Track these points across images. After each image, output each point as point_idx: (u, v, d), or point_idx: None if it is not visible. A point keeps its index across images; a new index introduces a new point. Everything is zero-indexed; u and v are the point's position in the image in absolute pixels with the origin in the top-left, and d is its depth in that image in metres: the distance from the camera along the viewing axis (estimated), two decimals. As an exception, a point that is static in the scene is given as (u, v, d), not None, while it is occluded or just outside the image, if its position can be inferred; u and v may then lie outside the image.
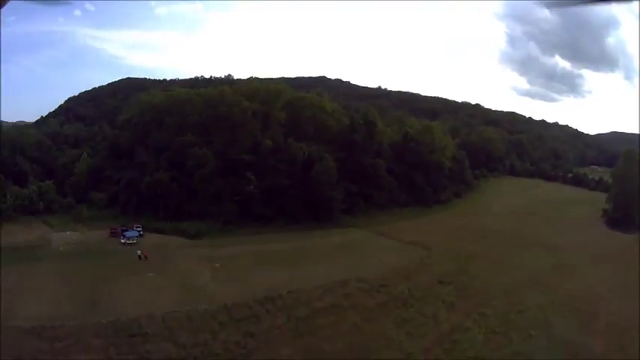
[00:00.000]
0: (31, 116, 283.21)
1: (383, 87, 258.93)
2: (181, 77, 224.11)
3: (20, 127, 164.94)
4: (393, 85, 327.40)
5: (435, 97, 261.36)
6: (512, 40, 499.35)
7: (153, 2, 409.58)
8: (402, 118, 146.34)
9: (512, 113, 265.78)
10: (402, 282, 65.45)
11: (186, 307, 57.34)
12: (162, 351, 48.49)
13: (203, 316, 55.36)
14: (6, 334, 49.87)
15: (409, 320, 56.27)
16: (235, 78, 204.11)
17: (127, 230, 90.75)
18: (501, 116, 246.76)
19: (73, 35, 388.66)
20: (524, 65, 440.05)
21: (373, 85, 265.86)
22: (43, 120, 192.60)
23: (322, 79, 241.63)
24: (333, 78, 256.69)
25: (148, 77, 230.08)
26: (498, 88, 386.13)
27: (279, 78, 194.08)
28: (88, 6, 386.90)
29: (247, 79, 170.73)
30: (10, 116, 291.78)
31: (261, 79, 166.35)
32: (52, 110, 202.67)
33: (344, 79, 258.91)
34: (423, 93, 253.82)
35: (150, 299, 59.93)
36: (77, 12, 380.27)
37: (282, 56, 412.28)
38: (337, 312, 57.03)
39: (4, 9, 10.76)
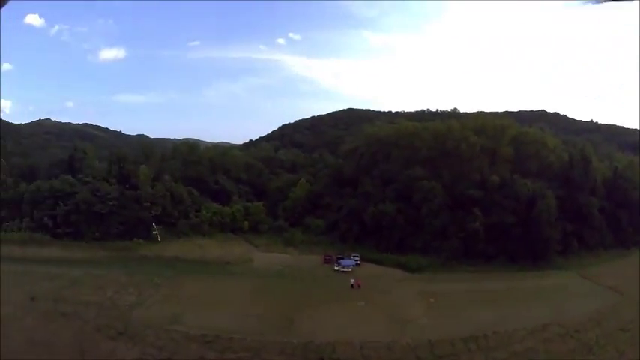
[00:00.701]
0: (234, 138, 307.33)
1: (594, 120, 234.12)
2: (406, 110, 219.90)
3: (223, 148, 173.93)
4: (602, 117, 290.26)
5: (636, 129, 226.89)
6: None
7: (365, 32, 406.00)
8: (611, 154, 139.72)
9: None
10: (593, 328, 62.08)
11: (389, 338, 55.62)
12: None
13: (404, 348, 53.75)
14: (164, 335, 53.93)
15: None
16: (461, 111, 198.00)
17: (342, 258, 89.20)
18: None
19: (281, 63, 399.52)
20: None
21: (585, 118, 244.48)
22: (252, 143, 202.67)
23: (542, 113, 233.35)
24: (551, 111, 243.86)
25: (371, 108, 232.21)
26: None
27: (504, 112, 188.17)
28: (292, 35, 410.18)
29: (474, 113, 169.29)
30: (212, 137, 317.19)
31: (487, 113, 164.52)
32: (262, 135, 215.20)
33: (561, 113, 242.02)
34: (627, 125, 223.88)
35: (353, 327, 58.70)
36: (280, 41, 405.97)
37: (504, 89, 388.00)
38: (532, 356, 54.64)
39: (3, 9, 11.16)
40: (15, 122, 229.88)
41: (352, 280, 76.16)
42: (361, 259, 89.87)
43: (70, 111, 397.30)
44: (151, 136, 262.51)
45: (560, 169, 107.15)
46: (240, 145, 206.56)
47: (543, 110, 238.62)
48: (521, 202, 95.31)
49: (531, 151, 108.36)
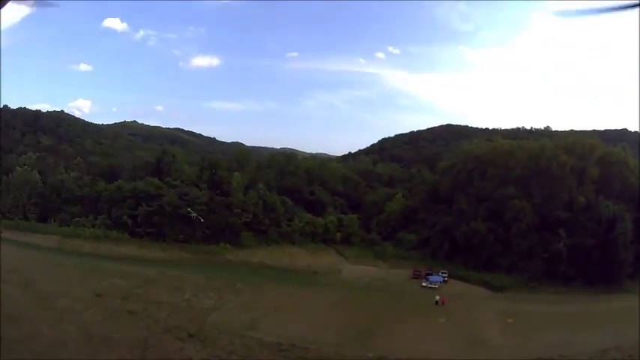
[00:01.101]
0: (333, 150, 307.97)
1: None
2: (502, 127, 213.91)
3: (321, 159, 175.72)
4: None
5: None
6: None
7: (461, 47, 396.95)
8: None
9: None
10: None
11: (463, 356, 55.14)
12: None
13: None
14: (237, 341, 54.56)
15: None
16: (553, 129, 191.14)
17: (431, 274, 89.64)
18: None
19: (379, 77, 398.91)
20: None
21: None
22: (351, 155, 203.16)
23: (624, 132, 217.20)
24: (632, 130, 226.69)
25: (468, 125, 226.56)
26: None
27: (591, 131, 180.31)
28: (392, 49, 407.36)
29: (565, 131, 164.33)
30: (309, 147, 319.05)
31: (576, 131, 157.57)
32: (361, 148, 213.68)
33: None
34: None
35: (430, 344, 57.83)
36: (380, 54, 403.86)
37: (593, 107, 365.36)
38: None
39: (3, 9, 11.36)
40: (95, 122, 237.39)
41: (437, 297, 75.60)
42: (449, 276, 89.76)
43: (160, 115, 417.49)
44: (247, 144, 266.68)
45: (638, 191, 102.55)
46: (338, 157, 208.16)
47: (626, 129, 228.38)
48: (602, 224, 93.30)
49: (615, 172, 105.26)
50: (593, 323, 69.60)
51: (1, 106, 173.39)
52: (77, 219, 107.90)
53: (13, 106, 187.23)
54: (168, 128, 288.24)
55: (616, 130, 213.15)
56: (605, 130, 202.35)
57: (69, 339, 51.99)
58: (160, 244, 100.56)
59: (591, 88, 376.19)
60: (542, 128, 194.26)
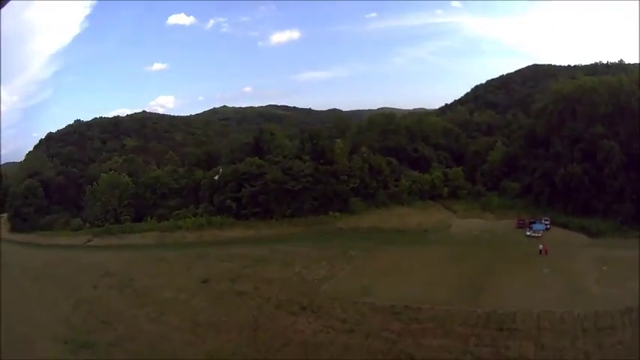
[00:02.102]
0: (429, 103, 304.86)
1: None
2: (583, 63, 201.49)
3: (419, 114, 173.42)
4: None
5: None
6: None
7: None
8: None
9: None
10: None
11: (563, 308, 54.17)
12: (521, 348, 46.50)
13: (574, 320, 51.93)
14: (351, 308, 56.40)
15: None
16: (626, 63, 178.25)
17: (534, 222, 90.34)
18: None
19: (460, 25, 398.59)
20: None
21: None
22: (448, 107, 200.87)
23: None
24: None
25: (553, 63, 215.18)
26: None
27: None
28: None
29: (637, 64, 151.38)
30: (406, 104, 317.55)
31: None
32: (457, 98, 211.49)
33: None
34: None
35: (535, 295, 58.31)
36: (456, 3, 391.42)
37: None
38: None
39: (3, 9, 11.51)
40: (182, 115, 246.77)
41: (540, 247, 76.22)
42: (551, 223, 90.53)
43: (249, 95, 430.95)
44: (344, 109, 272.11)
45: None
46: (435, 109, 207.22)
47: None
48: None
49: None
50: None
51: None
52: (177, 212, 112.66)
53: (87, 118, 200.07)
54: (261, 106, 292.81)
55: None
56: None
57: (173, 330, 55.45)
58: (268, 222, 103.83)
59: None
60: (617, 62, 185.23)
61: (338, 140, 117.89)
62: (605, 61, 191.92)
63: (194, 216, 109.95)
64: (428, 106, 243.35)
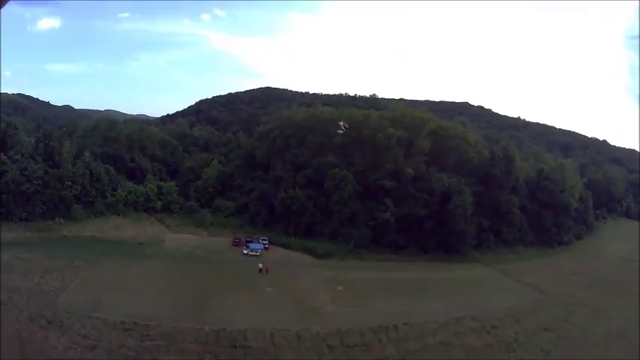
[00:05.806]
0: (153, 111, 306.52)
1: (522, 117, 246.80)
2: (324, 92, 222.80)
3: (142, 121, 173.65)
4: (530, 115, 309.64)
5: (567, 130, 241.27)
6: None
7: (285, 10, 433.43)
8: (537, 153, 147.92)
9: (633, 151, 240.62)
10: (512, 325, 64.25)
11: (299, 326, 56.66)
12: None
13: (314, 337, 54.51)
14: (87, 323, 53.34)
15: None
16: (380, 97, 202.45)
17: (251, 241, 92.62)
18: (624, 154, 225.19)
19: (204, 39, 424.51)
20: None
21: (513, 114, 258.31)
22: (169, 117, 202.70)
23: (465, 105, 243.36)
24: (475, 105, 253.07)
25: (289, 89, 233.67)
26: (624, 124, 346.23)
27: (424, 101, 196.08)
28: (218, 11, 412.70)
29: (392, 101, 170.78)
30: (132, 108, 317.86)
31: (407, 100, 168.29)
32: (179, 109, 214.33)
33: (486, 107, 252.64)
34: (558, 125, 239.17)
35: (263, 314, 60.14)
36: (205, 16, 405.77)
37: (426, 78, 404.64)
38: (445, 350, 55.64)
39: (3, 9, 11.57)
40: None
41: (260, 265, 78.51)
42: (270, 243, 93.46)
43: (8, 80, 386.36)
44: (77, 106, 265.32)
45: (480, 165, 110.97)
46: (157, 118, 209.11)
47: (467, 103, 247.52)
48: (435, 195, 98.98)
49: (450, 146, 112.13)
50: (438, 292, 74.99)
51: None
52: None
53: None
54: (13, 94, 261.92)
55: (455, 102, 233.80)
56: (442, 102, 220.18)
57: None
58: (9, 225, 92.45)
59: (427, 60, 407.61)
60: (368, 96, 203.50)
61: (67, 143, 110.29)
62: (352, 94, 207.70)
63: None
64: (151, 113, 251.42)
